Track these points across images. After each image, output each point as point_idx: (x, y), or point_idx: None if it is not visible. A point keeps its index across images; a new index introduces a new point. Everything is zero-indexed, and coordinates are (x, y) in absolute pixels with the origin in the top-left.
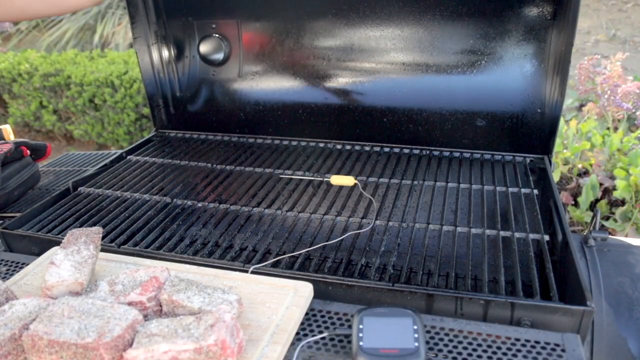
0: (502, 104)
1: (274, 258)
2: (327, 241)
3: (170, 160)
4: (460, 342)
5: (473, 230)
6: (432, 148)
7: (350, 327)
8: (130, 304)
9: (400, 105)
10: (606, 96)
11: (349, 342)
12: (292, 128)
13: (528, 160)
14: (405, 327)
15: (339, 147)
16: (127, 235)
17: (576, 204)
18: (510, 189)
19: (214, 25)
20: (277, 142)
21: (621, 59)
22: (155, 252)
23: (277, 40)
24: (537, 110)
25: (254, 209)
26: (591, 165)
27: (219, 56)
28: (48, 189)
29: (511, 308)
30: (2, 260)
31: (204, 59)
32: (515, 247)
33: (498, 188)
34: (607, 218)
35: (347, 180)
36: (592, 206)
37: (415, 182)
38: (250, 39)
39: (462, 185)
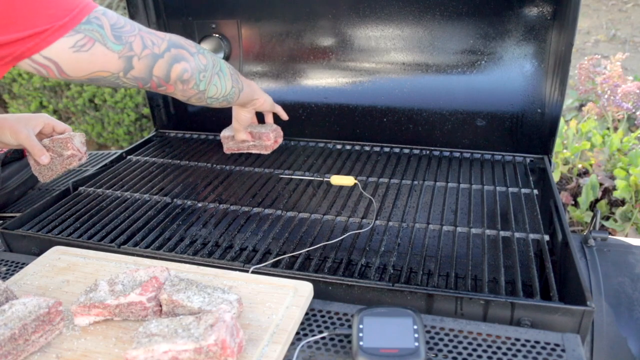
0: (502, 104)
1: (274, 258)
2: (327, 241)
3: (170, 160)
4: (460, 342)
5: (473, 230)
6: (432, 148)
7: (350, 327)
8: (130, 304)
9: (400, 105)
10: (606, 96)
11: (349, 342)
12: (292, 128)
13: (528, 160)
14: (405, 327)
15: (339, 147)
16: (127, 235)
17: (576, 204)
18: (510, 189)
19: (214, 25)
20: None
21: (621, 59)
22: (155, 252)
23: (277, 40)
24: (537, 110)
25: (254, 209)
26: (591, 165)
27: (219, 56)
28: (48, 189)
29: (511, 308)
30: (2, 260)
31: None
32: (515, 247)
33: (498, 188)
34: (607, 218)
35: (347, 180)
36: (592, 206)
37: (415, 182)
38: (250, 39)
39: (462, 185)
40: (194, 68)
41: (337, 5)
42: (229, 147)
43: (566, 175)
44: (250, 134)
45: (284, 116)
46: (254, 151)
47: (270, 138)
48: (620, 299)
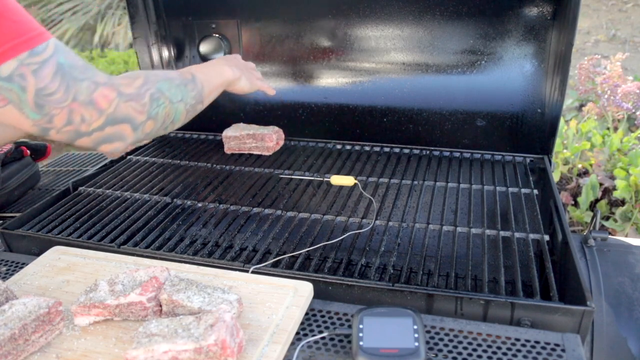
0: (502, 104)
1: (274, 258)
2: (327, 241)
3: (170, 160)
4: (460, 342)
5: (473, 230)
6: (432, 148)
7: (350, 327)
8: (130, 304)
9: (400, 105)
10: (606, 96)
11: (349, 342)
12: (292, 128)
13: (528, 160)
14: (405, 327)
15: (339, 147)
16: (127, 235)
17: (576, 204)
18: (510, 189)
19: (214, 25)
20: None
21: (621, 59)
22: (155, 252)
23: (277, 40)
24: (537, 110)
25: (254, 209)
26: (591, 165)
27: (219, 56)
28: (48, 189)
29: (511, 308)
30: (2, 260)
31: (204, 59)
32: (515, 247)
33: (498, 188)
34: (607, 218)
35: (347, 180)
36: (592, 206)
37: (415, 182)
38: (250, 39)
39: (462, 185)
40: (130, 142)
41: (337, 5)
42: (230, 147)
43: (566, 175)
44: (252, 136)
45: (270, 92)
46: (255, 152)
47: (273, 139)
48: (620, 299)
